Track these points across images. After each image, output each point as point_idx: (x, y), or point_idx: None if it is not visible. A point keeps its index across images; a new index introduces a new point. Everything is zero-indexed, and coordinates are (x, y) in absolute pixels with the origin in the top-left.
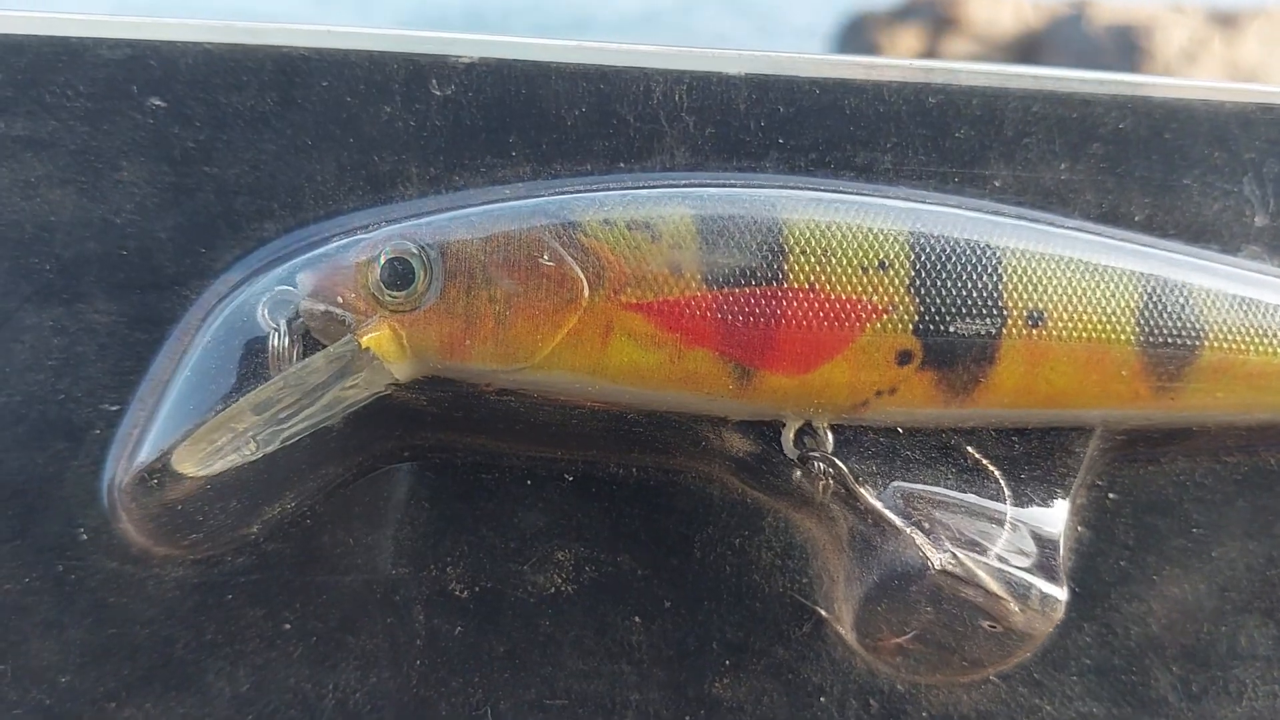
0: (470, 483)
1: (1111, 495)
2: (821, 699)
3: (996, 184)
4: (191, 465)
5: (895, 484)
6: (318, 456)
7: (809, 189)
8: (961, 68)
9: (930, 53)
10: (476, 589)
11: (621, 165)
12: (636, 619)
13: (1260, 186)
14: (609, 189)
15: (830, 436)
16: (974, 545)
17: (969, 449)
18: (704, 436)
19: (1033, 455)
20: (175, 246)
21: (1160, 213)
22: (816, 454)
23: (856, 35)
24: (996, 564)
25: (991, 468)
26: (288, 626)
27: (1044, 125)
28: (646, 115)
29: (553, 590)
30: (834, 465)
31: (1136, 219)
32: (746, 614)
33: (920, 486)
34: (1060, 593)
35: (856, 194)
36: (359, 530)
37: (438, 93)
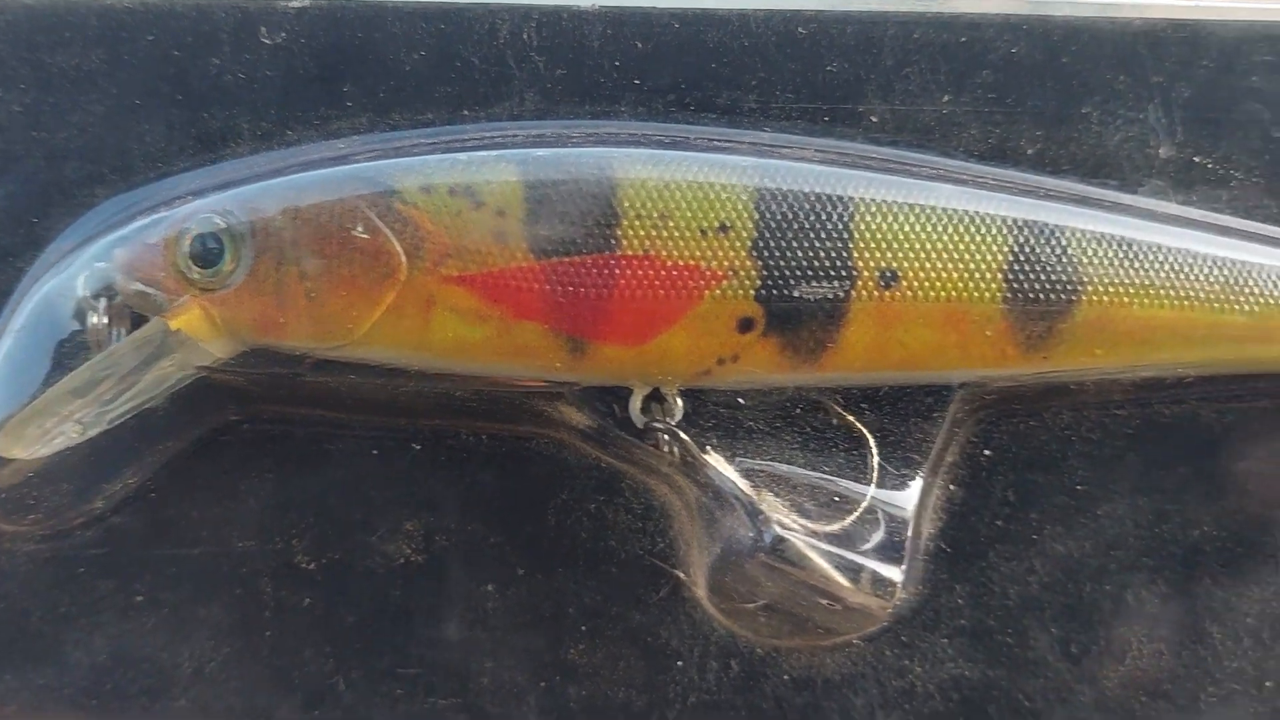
0: (315, 454)
1: (987, 452)
2: (679, 662)
3: (873, 120)
4: (19, 449)
5: (737, 458)
6: (151, 432)
7: (660, 136)
8: None
9: None
10: (324, 560)
11: (465, 112)
12: (489, 586)
13: (1167, 113)
14: (445, 143)
15: (680, 404)
16: (808, 524)
17: (837, 408)
18: (542, 409)
19: (885, 424)
20: (6, 216)
21: (1054, 146)
22: (660, 424)
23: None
24: (827, 545)
25: (862, 429)
26: (140, 598)
27: (927, 53)
28: (492, 57)
29: (402, 560)
30: (676, 436)
31: (1028, 154)
32: (603, 579)
33: (762, 462)
34: (895, 574)
35: (710, 141)
36: (204, 503)
37: (268, 41)
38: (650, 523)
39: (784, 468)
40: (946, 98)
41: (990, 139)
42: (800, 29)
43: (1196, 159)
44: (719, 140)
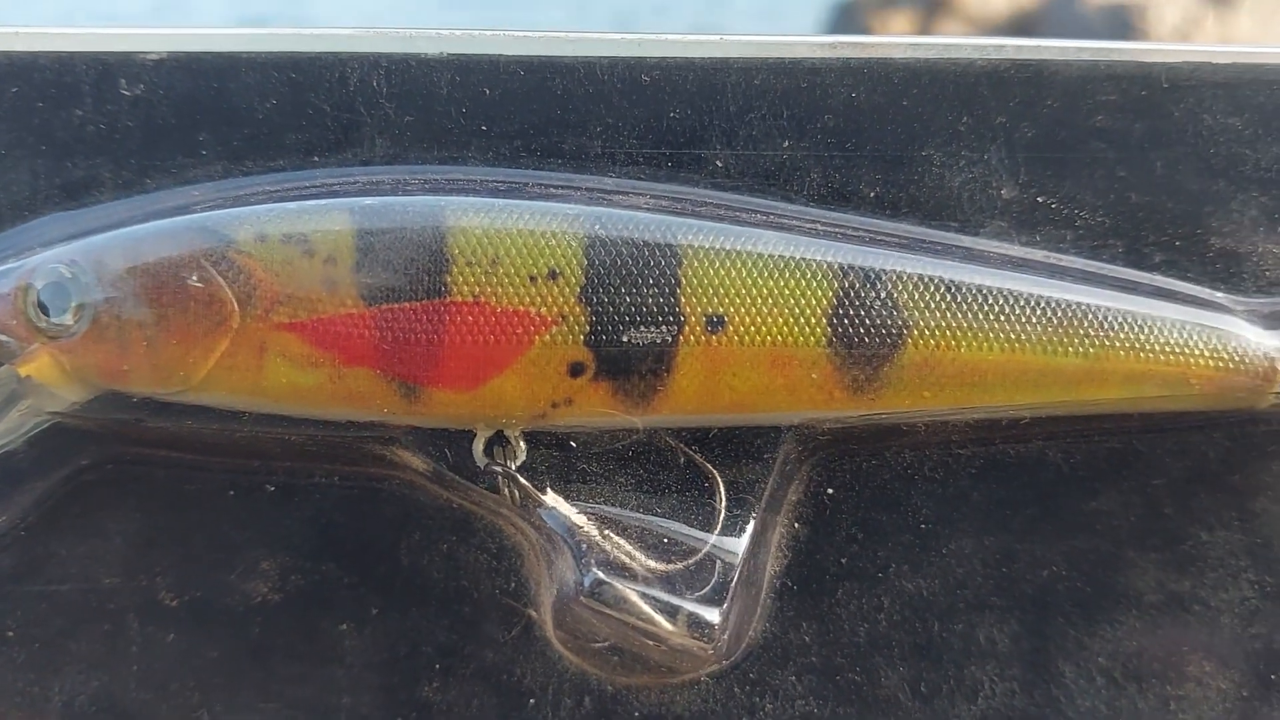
0: (176, 495)
1: (830, 491)
2: (532, 701)
3: (718, 165)
4: None
5: (572, 500)
6: (17, 474)
7: (501, 181)
8: (677, 39)
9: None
10: (186, 598)
11: (316, 159)
12: (345, 625)
13: (1010, 154)
14: (289, 190)
15: (523, 446)
16: (633, 565)
17: (684, 449)
18: (379, 454)
19: (716, 466)
20: None
21: (895, 189)
22: (498, 467)
23: (848, 20)
24: (645, 587)
25: (711, 470)
26: (11, 634)
27: (768, 99)
28: (343, 104)
29: (259, 598)
30: (514, 479)
31: (870, 197)
32: (456, 618)
33: (595, 505)
34: (712, 614)
35: (546, 188)
36: (72, 542)
37: (127, 92)
38: (502, 562)
39: (615, 510)
40: (788, 143)
41: (832, 183)
42: (644, 76)
43: (1040, 199)
44: (560, 186)
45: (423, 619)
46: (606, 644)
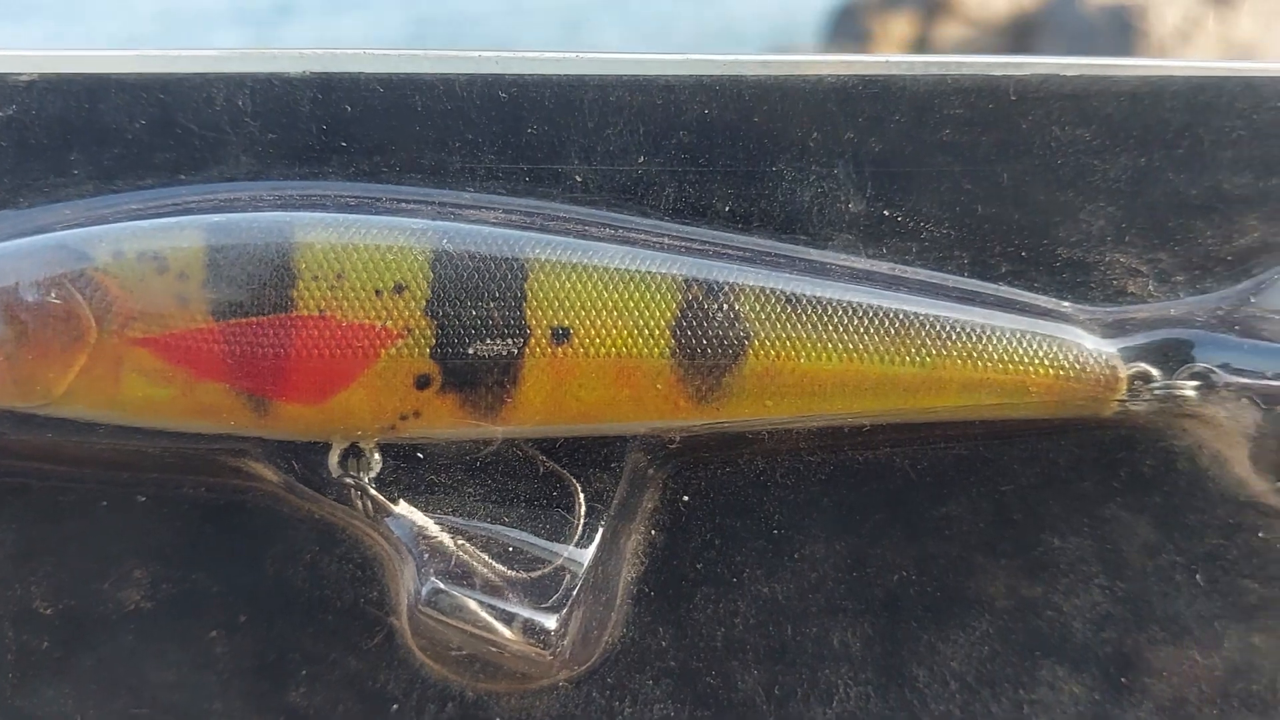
0: (51, 506)
1: (685, 499)
2: (395, 706)
3: (576, 180)
4: None
5: (412, 511)
6: None
7: (357, 197)
8: (534, 56)
9: (923, 39)
10: (60, 606)
11: (184, 177)
12: (214, 633)
13: (858, 169)
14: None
15: (378, 458)
16: (471, 575)
17: (543, 460)
18: (228, 463)
19: (558, 473)
20: None
21: (746, 204)
22: (350, 479)
23: (849, 23)
24: (483, 595)
25: (571, 479)
26: None
27: (624, 115)
28: (209, 123)
29: (132, 606)
30: (364, 490)
31: (723, 211)
32: (320, 626)
33: (440, 515)
34: (549, 621)
35: (399, 203)
36: None
37: (0, 114)
38: (365, 571)
39: (463, 521)
40: (643, 158)
41: (686, 197)
42: (502, 93)
43: (886, 212)
44: (416, 201)
45: (289, 627)
46: (463, 652)
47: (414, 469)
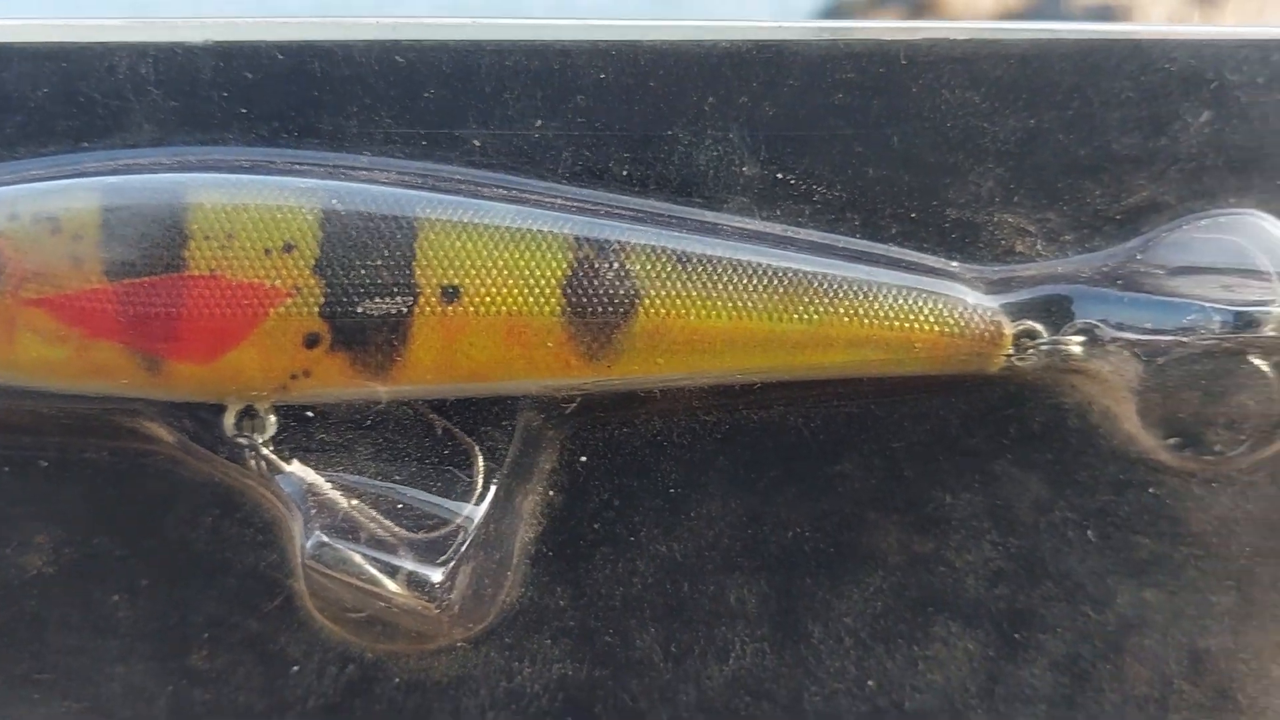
0: None
1: (583, 459)
2: (296, 668)
3: (475, 144)
4: None
5: (305, 470)
6: None
7: (256, 160)
8: (433, 22)
9: None
10: None
11: (86, 144)
12: (117, 597)
13: (752, 132)
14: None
15: (272, 419)
16: (354, 530)
17: (440, 421)
18: (127, 426)
19: (454, 433)
20: None
21: (643, 167)
22: (244, 439)
23: (838, 19)
24: (368, 549)
25: (468, 440)
26: None
27: (521, 80)
28: (111, 91)
29: (35, 571)
30: (257, 450)
31: (621, 175)
32: (221, 590)
33: (332, 474)
34: (434, 574)
35: (294, 165)
36: None
37: None
38: (265, 535)
39: (354, 478)
40: (540, 122)
41: (583, 161)
42: (399, 58)
43: (780, 175)
44: (312, 164)
45: (190, 590)
46: (361, 614)
47: (305, 429)
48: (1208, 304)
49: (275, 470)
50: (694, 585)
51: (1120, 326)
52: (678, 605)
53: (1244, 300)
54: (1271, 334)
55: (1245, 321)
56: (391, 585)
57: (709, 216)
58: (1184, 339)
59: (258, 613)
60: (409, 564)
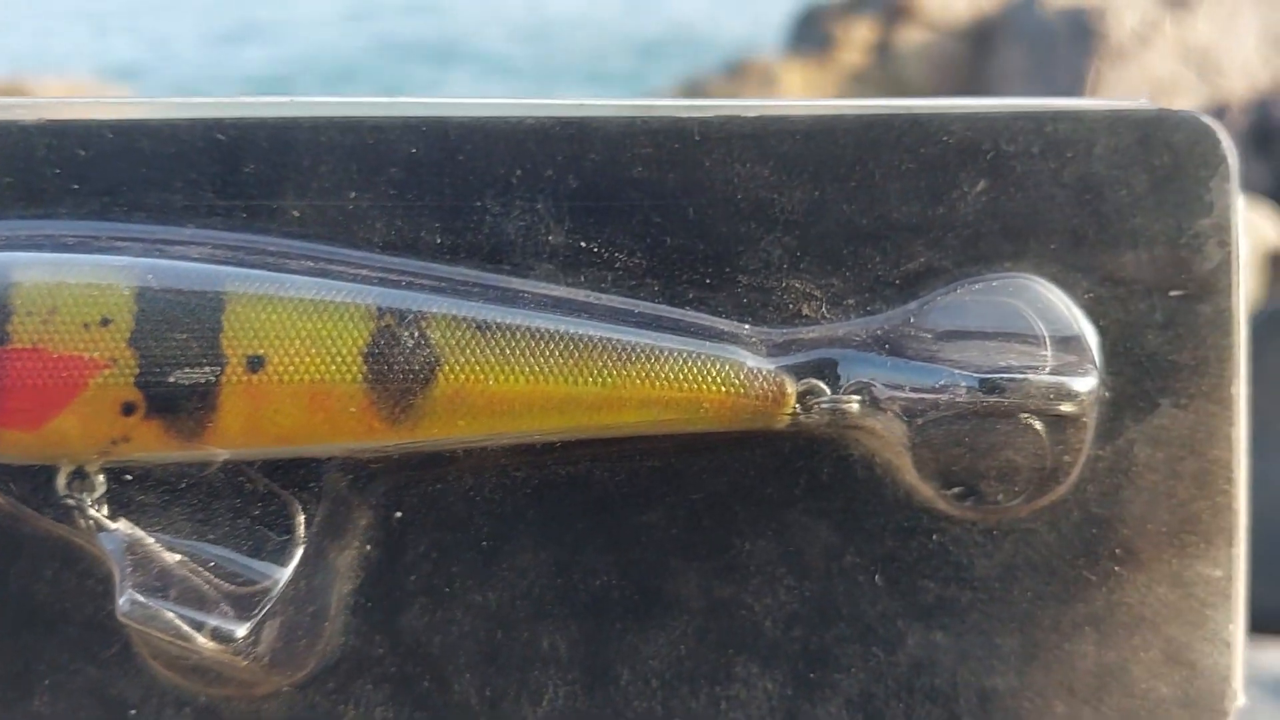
0: None
1: (398, 515)
2: (133, 711)
3: (294, 214)
4: None
5: (132, 528)
6: None
7: (81, 235)
8: (252, 101)
9: (885, 44)
10: None
11: None
12: None
13: (557, 203)
14: None
15: (101, 479)
16: (166, 586)
17: (265, 480)
18: None
19: (265, 494)
20: None
21: (454, 236)
22: (71, 500)
23: (810, 29)
24: (177, 606)
25: (289, 497)
26: None
27: (336, 154)
28: None
29: None
30: (83, 510)
31: (435, 243)
32: (62, 638)
33: (154, 534)
34: (238, 628)
35: (112, 241)
36: None
37: None
38: (104, 586)
39: (172, 539)
40: (355, 194)
41: (396, 231)
42: (220, 135)
43: (584, 244)
44: (137, 239)
45: (33, 638)
46: (192, 660)
47: (126, 490)
48: (956, 370)
49: (100, 528)
50: (508, 632)
51: (891, 387)
52: (493, 651)
53: (993, 365)
54: (1038, 394)
55: (989, 388)
56: (199, 639)
57: (516, 283)
58: (936, 401)
59: (97, 659)
60: (214, 620)
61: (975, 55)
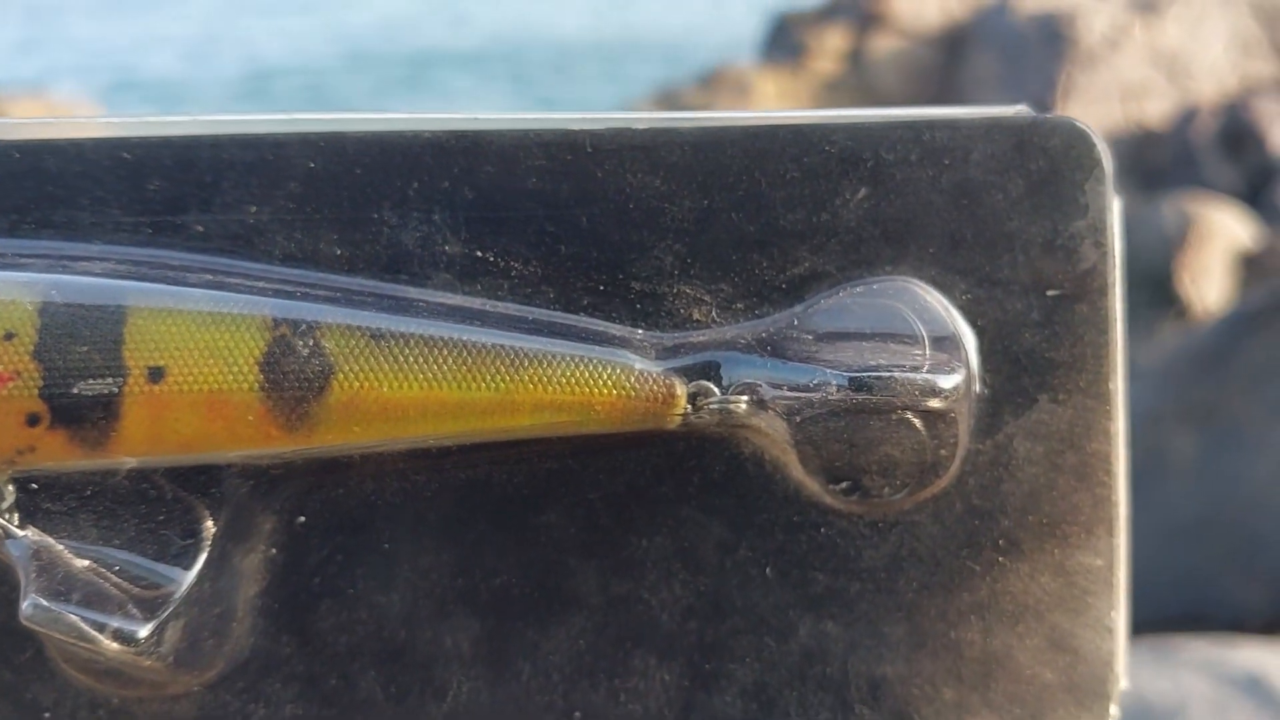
0: None
1: (301, 519)
2: (47, 714)
3: (197, 229)
4: None
5: (40, 535)
6: None
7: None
8: (154, 120)
9: (858, 51)
10: None
11: None
12: None
13: (453, 214)
14: None
15: (10, 489)
16: (70, 590)
17: (173, 488)
18: None
19: (168, 500)
20: None
21: (353, 248)
22: None
23: (784, 37)
24: (79, 608)
25: (196, 504)
26: None
27: (237, 170)
28: None
29: None
30: None
31: (332, 255)
32: None
33: (62, 540)
34: (140, 629)
35: (17, 257)
36: None
37: None
38: (15, 592)
39: (75, 544)
40: (255, 208)
41: (294, 244)
42: (125, 153)
43: (480, 254)
44: (39, 255)
45: None
46: (103, 663)
47: (33, 499)
48: (829, 369)
49: (8, 535)
50: (411, 631)
51: (773, 386)
52: (397, 650)
53: (864, 364)
54: (904, 391)
55: (858, 385)
56: (102, 640)
57: (413, 293)
58: (811, 399)
59: (11, 664)
60: (116, 621)
61: (947, 62)
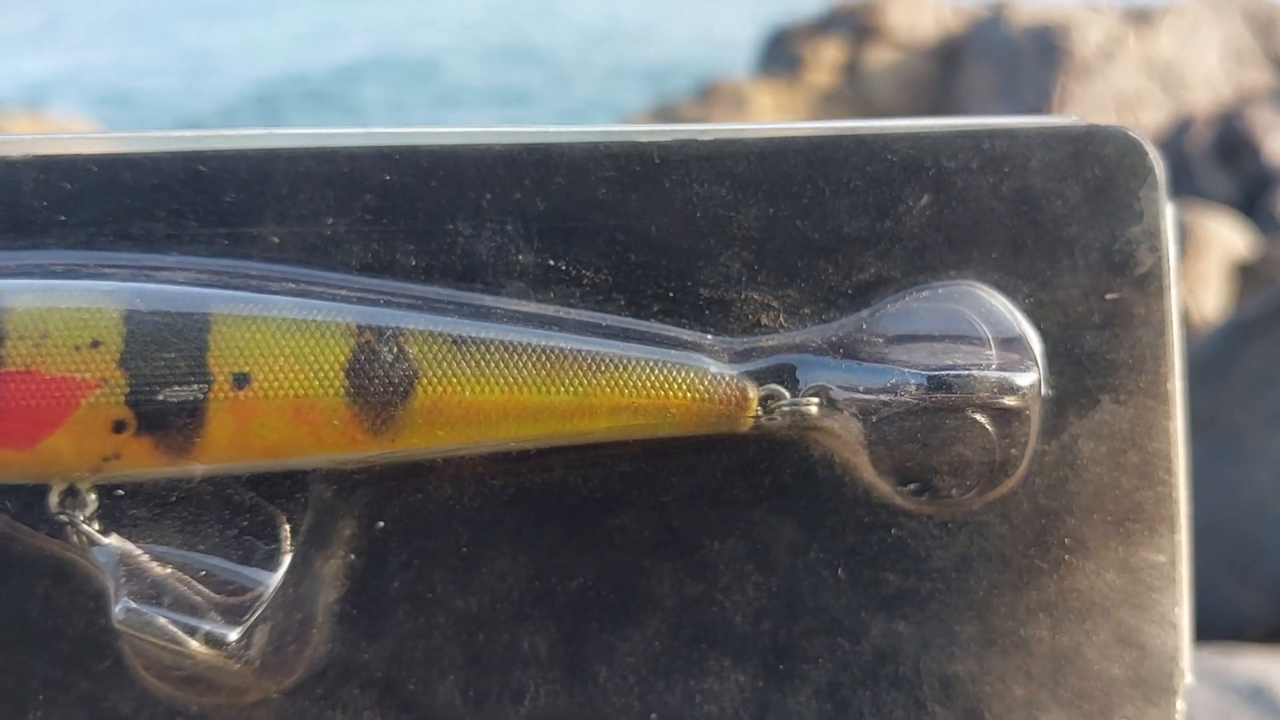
0: None
1: (380, 524)
2: None
3: (274, 240)
4: None
5: (123, 542)
6: None
7: (76, 263)
8: (231, 134)
9: (854, 64)
10: None
11: None
12: None
13: (526, 225)
14: None
15: (93, 497)
16: (160, 594)
17: (251, 494)
18: None
19: (252, 505)
20: None
21: (429, 257)
22: (64, 516)
23: (780, 50)
24: (170, 612)
25: (273, 510)
26: None
27: (313, 182)
28: None
29: None
30: (76, 526)
31: (409, 265)
32: (55, 653)
33: (144, 545)
34: (230, 632)
35: (103, 268)
36: None
37: None
38: (96, 602)
39: (163, 549)
40: (331, 220)
41: (371, 254)
42: (202, 166)
43: (552, 262)
44: (124, 266)
45: (26, 655)
46: (183, 671)
47: (117, 506)
48: (905, 369)
49: (94, 543)
50: (489, 635)
51: (846, 389)
52: (475, 654)
53: (940, 365)
54: (982, 389)
55: (937, 384)
56: (193, 643)
57: (489, 300)
58: (888, 400)
59: (90, 674)
60: (207, 625)
61: (943, 74)
